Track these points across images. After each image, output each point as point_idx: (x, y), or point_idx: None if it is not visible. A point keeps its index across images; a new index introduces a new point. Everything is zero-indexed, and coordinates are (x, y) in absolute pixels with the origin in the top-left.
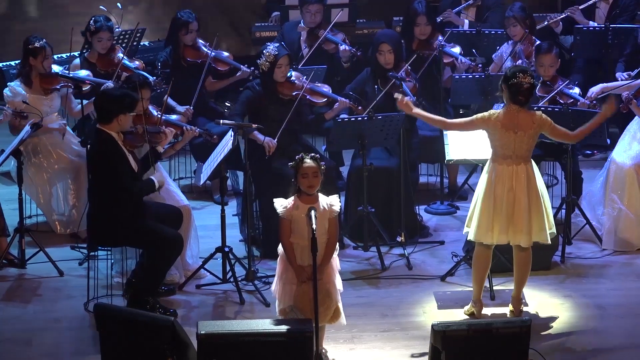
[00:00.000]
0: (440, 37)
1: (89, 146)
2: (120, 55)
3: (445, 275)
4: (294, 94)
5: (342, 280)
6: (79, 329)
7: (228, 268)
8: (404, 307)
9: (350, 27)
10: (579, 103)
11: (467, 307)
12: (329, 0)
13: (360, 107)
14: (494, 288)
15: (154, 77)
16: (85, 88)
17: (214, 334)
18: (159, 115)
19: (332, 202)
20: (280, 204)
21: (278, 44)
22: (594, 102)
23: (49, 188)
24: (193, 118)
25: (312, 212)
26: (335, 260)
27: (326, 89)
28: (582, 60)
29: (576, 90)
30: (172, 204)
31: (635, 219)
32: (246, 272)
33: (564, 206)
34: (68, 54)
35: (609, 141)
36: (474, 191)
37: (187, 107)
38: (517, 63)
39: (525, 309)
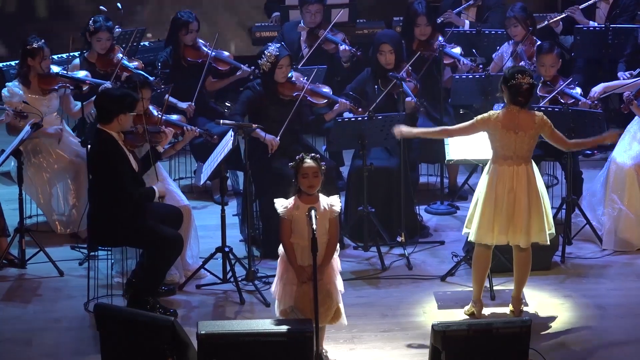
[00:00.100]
0: (440, 38)
1: (89, 146)
2: (120, 55)
3: (446, 275)
4: (294, 94)
5: (342, 280)
6: (79, 329)
7: (228, 268)
8: (404, 307)
9: (350, 27)
10: (580, 103)
11: (467, 307)
12: (329, 0)
13: (360, 109)
14: (494, 288)
15: (153, 78)
16: (85, 88)
17: (214, 334)
18: (160, 115)
19: (332, 202)
20: (281, 204)
21: (279, 45)
22: (596, 102)
23: (49, 188)
24: (193, 118)
25: (312, 212)
26: (336, 261)
27: (326, 89)
28: (582, 60)
29: (577, 90)
30: (172, 204)
31: (635, 219)
32: (246, 272)
33: (564, 206)
34: (67, 54)
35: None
36: (474, 191)
37: (189, 103)
38: (519, 64)
39: (525, 309)
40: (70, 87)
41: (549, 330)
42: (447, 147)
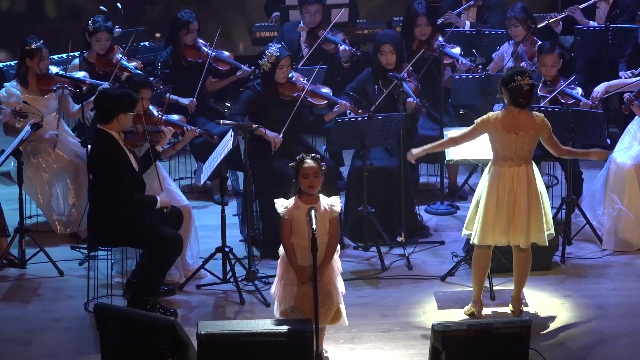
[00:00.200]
0: (440, 38)
1: (89, 146)
2: (119, 55)
3: (446, 276)
4: (294, 95)
5: (343, 280)
6: (79, 329)
7: (228, 268)
8: (404, 307)
9: (350, 27)
10: (581, 103)
11: (467, 307)
12: (329, 0)
13: (360, 110)
14: (494, 288)
15: (153, 78)
16: (83, 89)
17: (214, 334)
18: (160, 116)
19: (333, 202)
20: (281, 204)
21: (280, 45)
22: (597, 102)
23: (49, 188)
24: (193, 118)
25: (312, 212)
26: (337, 262)
27: (327, 90)
28: (582, 60)
29: (578, 90)
30: (173, 204)
31: (635, 219)
32: (246, 272)
33: (564, 206)
34: (67, 54)
35: (609, 141)
36: (474, 191)
37: (191, 99)
38: (520, 64)
39: (525, 309)
40: (69, 88)
41: (549, 330)
42: None
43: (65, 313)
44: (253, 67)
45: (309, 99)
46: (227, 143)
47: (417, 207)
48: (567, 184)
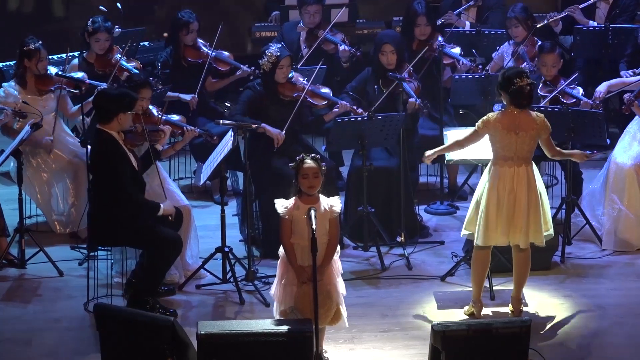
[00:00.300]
0: (440, 38)
1: (89, 146)
2: (118, 56)
3: (445, 276)
4: (294, 95)
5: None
6: (79, 329)
7: (228, 268)
8: (403, 307)
9: (350, 27)
10: (581, 103)
11: (467, 307)
12: (329, 0)
13: (360, 110)
14: (494, 288)
15: (153, 78)
16: (83, 89)
17: (214, 334)
18: (160, 116)
19: (332, 203)
20: (281, 204)
21: (280, 45)
22: (597, 102)
23: (48, 188)
24: (193, 118)
25: (312, 212)
26: (337, 263)
27: (327, 90)
28: (582, 60)
29: (579, 90)
30: (172, 204)
31: (635, 219)
32: (246, 272)
33: (564, 206)
34: (66, 54)
35: (609, 141)
36: (474, 191)
37: (192, 95)
38: (522, 65)
39: (525, 309)
40: (67, 89)
41: (549, 330)
42: None
43: (65, 313)
44: (253, 68)
45: (309, 99)
46: (227, 143)
47: (417, 207)
48: (567, 184)
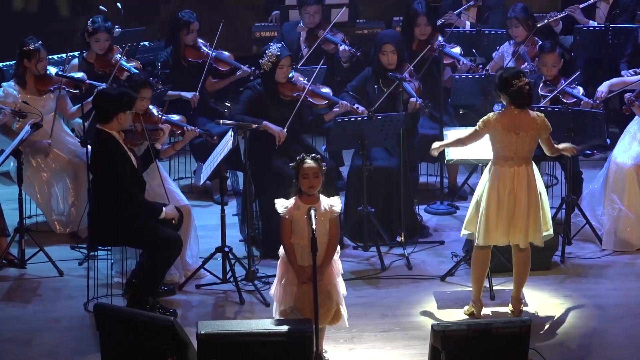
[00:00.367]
0: (440, 38)
1: (90, 146)
2: (118, 56)
3: (445, 275)
4: (295, 95)
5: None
6: (79, 329)
7: (228, 268)
8: (403, 307)
9: (350, 27)
10: (582, 102)
11: (466, 307)
12: (329, 0)
13: (361, 109)
14: (494, 288)
15: (153, 78)
16: (82, 89)
17: (214, 334)
18: (160, 115)
19: (333, 203)
20: (282, 204)
21: (280, 45)
22: (597, 102)
23: (48, 188)
24: (193, 118)
25: (312, 212)
26: (337, 264)
27: (327, 90)
28: (582, 60)
29: (579, 90)
30: (172, 203)
31: (635, 219)
32: (246, 272)
33: (564, 206)
34: (66, 54)
35: (609, 141)
36: (474, 191)
37: (194, 93)
38: (522, 65)
39: (525, 309)
40: (67, 89)
41: (549, 330)
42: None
43: (65, 313)
44: (253, 68)
45: (309, 99)
46: (227, 143)
47: (417, 207)
48: (567, 184)
